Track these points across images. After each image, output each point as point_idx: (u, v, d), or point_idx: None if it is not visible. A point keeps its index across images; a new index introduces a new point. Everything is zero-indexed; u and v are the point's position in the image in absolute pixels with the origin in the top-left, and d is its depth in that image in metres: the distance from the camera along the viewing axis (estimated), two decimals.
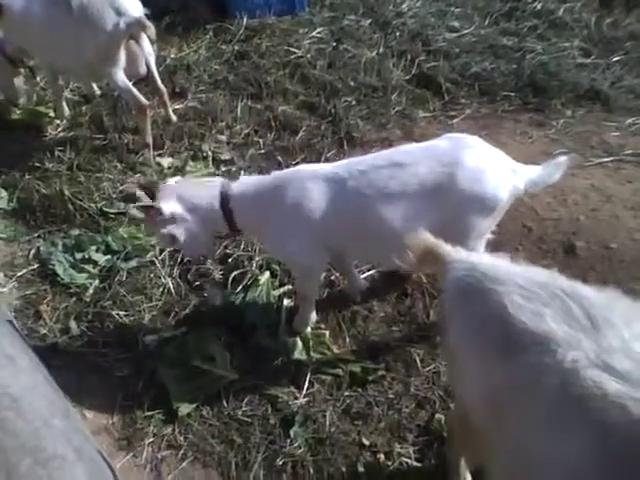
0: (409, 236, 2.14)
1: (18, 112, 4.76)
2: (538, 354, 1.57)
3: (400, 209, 2.55)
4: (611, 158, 3.91)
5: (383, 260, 3.15)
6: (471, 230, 2.61)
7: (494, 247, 3.33)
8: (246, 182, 2.87)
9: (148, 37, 3.85)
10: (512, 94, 4.60)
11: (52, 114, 4.67)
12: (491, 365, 1.74)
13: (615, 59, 4.86)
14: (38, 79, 4.88)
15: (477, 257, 2.01)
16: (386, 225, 2.58)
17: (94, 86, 4.80)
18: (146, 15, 3.79)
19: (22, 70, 4.63)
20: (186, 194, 2.78)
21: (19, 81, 4.70)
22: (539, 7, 5.48)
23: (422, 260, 2.14)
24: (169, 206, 2.72)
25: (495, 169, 2.55)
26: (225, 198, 2.75)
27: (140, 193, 2.77)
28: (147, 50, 4.12)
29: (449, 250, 2.07)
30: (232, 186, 2.80)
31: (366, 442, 2.70)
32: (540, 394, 1.56)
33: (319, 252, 2.78)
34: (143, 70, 4.16)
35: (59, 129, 4.58)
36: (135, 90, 4.08)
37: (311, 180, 2.65)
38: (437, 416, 2.75)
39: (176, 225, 2.76)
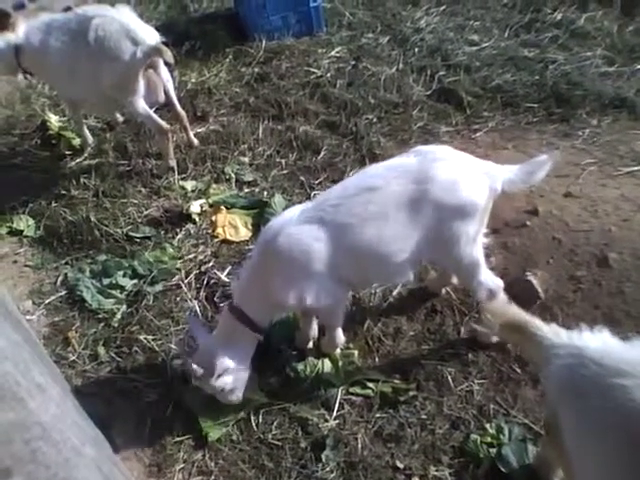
0: (490, 304, 2.06)
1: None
2: None
3: (385, 231, 2.53)
4: None
5: (388, 280, 3.08)
6: (458, 238, 2.62)
7: (524, 261, 3.29)
8: (236, 280, 2.86)
9: (166, 61, 3.90)
10: (535, 105, 4.54)
11: (77, 141, 4.74)
12: (620, 473, 1.55)
13: (639, 67, 4.77)
14: None
15: (580, 339, 1.77)
16: (377, 248, 2.56)
17: (116, 114, 4.87)
18: (164, 43, 3.84)
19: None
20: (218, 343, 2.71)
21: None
22: (559, 17, 5.44)
23: (506, 330, 2.01)
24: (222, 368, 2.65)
25: (468, 177, 2.59)
26: (237, 311, 2.69)
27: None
28: (165, 77, 4.20)
29: (546, 330, 1.86)
30: (233, 297, 2.79)
31: (400, 465, 2.64)
32: None
33: (337, 286, 2.68)
34: (162, 97, 4.23)
35: (84, 156, 4.64)
36: (155, 115, 4.16)
37: (292, 226, 2.57)
38: (472, 436, 2.68)
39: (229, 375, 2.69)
